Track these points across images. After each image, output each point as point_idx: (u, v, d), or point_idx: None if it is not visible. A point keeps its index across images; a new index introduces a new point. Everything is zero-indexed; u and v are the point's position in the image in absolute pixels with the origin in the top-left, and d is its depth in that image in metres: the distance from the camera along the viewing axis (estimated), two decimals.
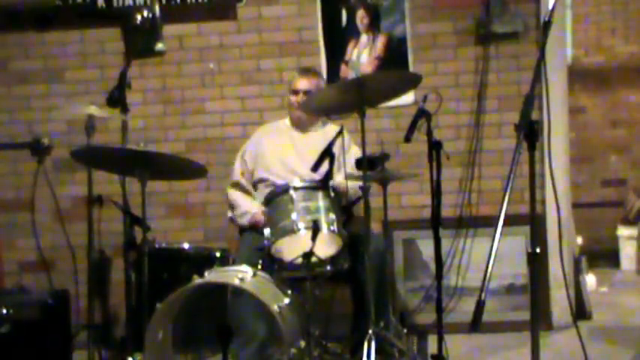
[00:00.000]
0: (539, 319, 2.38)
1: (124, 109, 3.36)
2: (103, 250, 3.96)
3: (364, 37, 4.50)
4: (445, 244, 3.81)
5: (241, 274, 3.03)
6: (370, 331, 3.11)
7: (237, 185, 3.91)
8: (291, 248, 3.13)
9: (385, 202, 3.51)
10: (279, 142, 3.91)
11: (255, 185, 3.88)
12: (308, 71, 3.99)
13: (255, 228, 3.64)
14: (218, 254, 3.44)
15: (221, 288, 3.12)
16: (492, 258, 2.04)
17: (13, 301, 3.54)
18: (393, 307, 3.61)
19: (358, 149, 3.47)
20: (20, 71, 4.66)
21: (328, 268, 3.19)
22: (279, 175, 3.75)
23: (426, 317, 4.27)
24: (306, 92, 3.80)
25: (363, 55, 4.50)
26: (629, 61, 6.88)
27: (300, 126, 3.93)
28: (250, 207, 3.77)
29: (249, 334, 3.19)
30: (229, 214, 3.91)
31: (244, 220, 3.76)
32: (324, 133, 3.80)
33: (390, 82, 3.40)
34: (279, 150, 3.88)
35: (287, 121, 4.01)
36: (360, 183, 3.23)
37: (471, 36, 4.48)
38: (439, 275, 3.30)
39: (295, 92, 3.86)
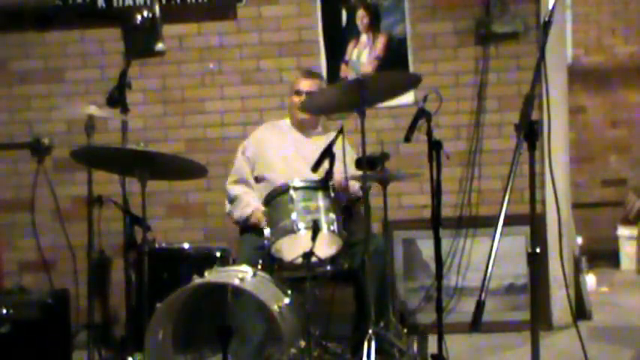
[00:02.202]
0: (539, 319, 2.38)
1: (124, 109, 3.36)
2: (103, 250, 3.95)
3: (364, 37, 4.50)
4: (445, 244, 3.81)
5: (241, 274, 3.03)
6: (370, 331, 3.10)
7: (239, 182, 3.89)
8: (291, 248, 3.14)
9: (385, 202, 3.51)
10: (281, 142, 3.91)
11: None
12: (310, 73, 4.00)
13: (254, 227, 3.63)
14: (218, 254, 3.43)
15: (221, 288, 3.12)
16: (492, 258, 2.03)
17: (13, 301, 3.54)
18: (393, 307, 3.61)
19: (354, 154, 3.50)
20: (20, 71, 4.65)
21: (328, 268, 3.19)
22: (281, 174, 3.72)
23: (426, 317, 4.27)
24: (309, 93, 3.79)
25: (363, 55, 4.50)
26: (629, 61, 6.88)
27: (302, 128, 3.93)
28: (252, 202, 3.75)
29: (249, 334, 3.19)
30: (227, 207, 3.88)
31: (245, 213, 3.72)
32: (326, 137, 3.78)
33: (390, 82, 3.40)
34: (281, 150, 3.87)
35: (288, 122, 4.00)
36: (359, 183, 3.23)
37: (471, 36, 4.48)
38: (439, 275, 3.30)
39: (298, 93, 3.86)
